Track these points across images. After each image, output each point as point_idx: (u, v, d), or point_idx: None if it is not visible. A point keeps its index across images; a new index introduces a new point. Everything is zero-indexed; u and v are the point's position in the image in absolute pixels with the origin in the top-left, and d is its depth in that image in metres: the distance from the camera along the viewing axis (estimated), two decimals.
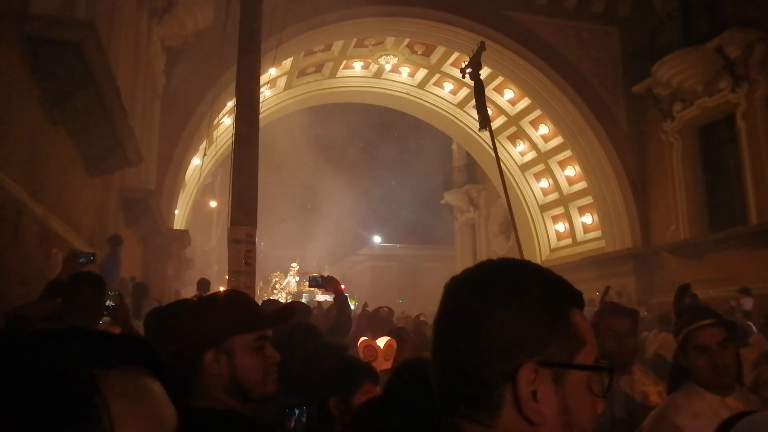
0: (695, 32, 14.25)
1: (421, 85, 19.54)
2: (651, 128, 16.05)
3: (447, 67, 18.20)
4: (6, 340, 0.47)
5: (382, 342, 3.28)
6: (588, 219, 17.93)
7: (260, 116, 6.79)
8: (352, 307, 10.00)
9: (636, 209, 16.15)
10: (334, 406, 2.08)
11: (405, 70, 19.12)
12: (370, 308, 11.93)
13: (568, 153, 17.62)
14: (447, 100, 19.83)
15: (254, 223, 6.29)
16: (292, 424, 1.47)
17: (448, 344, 0.83)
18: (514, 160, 19.31)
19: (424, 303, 22.26)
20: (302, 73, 18.16)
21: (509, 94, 18.14)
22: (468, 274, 0.86)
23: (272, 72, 15.67)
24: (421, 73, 19.04)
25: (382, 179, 43.62)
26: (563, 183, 18.38)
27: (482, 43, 9.09)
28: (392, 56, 18.02)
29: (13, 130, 4.95)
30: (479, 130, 9.87)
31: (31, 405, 0.42)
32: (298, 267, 30.48)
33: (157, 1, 11.40)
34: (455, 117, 20.12)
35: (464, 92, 18.78)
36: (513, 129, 18.82)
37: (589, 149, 16.65)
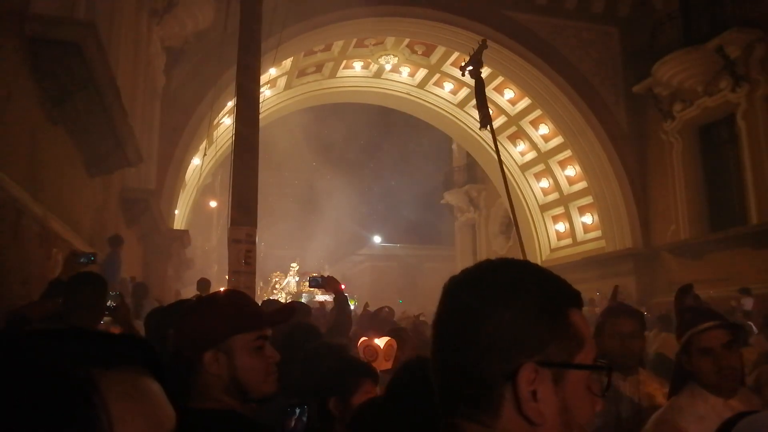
0: (695, 32, 14.24)
1: (422, 85, 19.54)
2: (651, 128, 16.05)
3: (447, 67, 18.20)
4: (5, 340, 0.47)
5: (382, 342, 3.28)
6: (588, 219, 17.93)
7: (260, 116, 6.79)
8: (352, 307, 10.01)
9: (636, 209, 16.16)
10: (333, 406, 2.08)
11: (405, 70, 19.13)
12: (370, 308, 11.97)
13: (568, 153, 17.63)
14: (447, 100, 19.84)
15: (254, 223, 6.29)
16: (293, 423, 1.47)
17: (448, 344, 0.83)
18: (514, 160, 19.31)
19: (424, 303, 22.24)
20: (302, 73, 18.17)
21: (509, 94, 18.15)
22: (467, 274, 0.86)
23: (272, 72, 15.68)
24: (421, 73, 19.04)
25: (383, 179, 43.66)
26: (563, 183, 18.38)
27: (484, 41, 9.04)
28: (392, 56, 18.02)
29: (13, 130, 4.95)
30: (480, 129, 9.84)
31: (29, 405, 0.42)
32: (298, 267, 30.49)
33: (157, 1, 11.40)
34: (455, 117, 20.12)
35: (464, 92, 18.78)
36: (513, 129, 18.83)
37: (590, 149, 16.65)
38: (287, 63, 16.46)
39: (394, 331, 3.86)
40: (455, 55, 16.78)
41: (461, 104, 19.50)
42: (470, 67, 8.88)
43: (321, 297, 18.69)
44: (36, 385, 0.43)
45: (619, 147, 16.26)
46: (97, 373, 0.47)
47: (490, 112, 8.71)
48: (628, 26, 16.60)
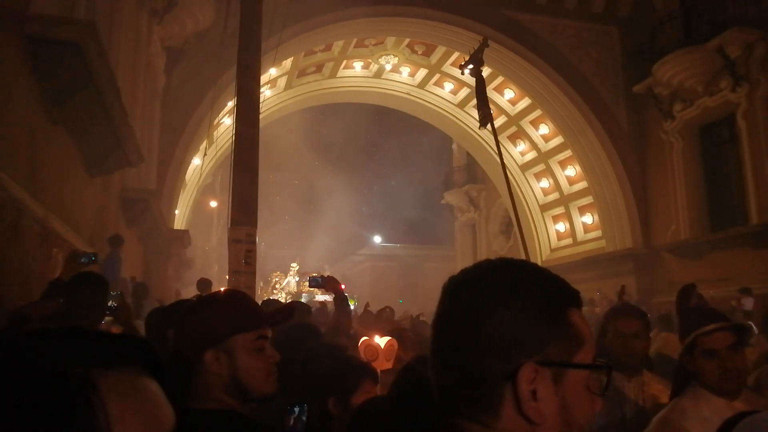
0: (696, 32, 14.24)
1: (422, 85, 19.54)
2: (651, 128, 16.05)
3: (447, 67, 18.20)
4: (4, 340, 0.47)
5: (382, 342, 3.28)
6: (588, 219, 17.93)
7: (260, 116, 6.79)
8: (352, 307, 10.02)
9: (636, 209, 16.16)
10: (333, 406, 2.08)
11: (405, 70, 19.12)
12: (372, 309, 11.97)
13: (568, 153, 17.63)
14: (447, 100, 19.84)
15: (254, 223, 6.29)
16: (292, 422, 1.47)
17: (448, 344, 0.83)
18: (514, 160, 19.31)
19: (424, 303, 22.23)
20: (302, 73, 18.17)
21: (509, 93, 18.15)
22: (466, 274, 0.86)
23: (272, 72, 15.68)
24: (422, 73, 19.04)
25: (383, 179, 43.68)
26: (563, 183, 18.38)
27: (485, 40, 9.02)
28: (392, 56, 18.02)
29: (13, 130, 4.95)
30: (479, 128, 9.82)
31: (27, 404, 0.42)
32: (298, 267, 30.50)
33: (158, 1, 11.40)
34: (455, 117, 20.12)
35: (464, 92, 18.78)
36: (513, 129, 18.83)
37: (590, 149, 16.65)
38: (287, 63, 16.46)
39: (394, 331, 3.86)
40: (455, 55, 16.78)
41: (461, 104, 19.50)
42: (470, 66, 8.88)
43: (321, 297, 18.69)
44: (34, 384, 0.43)
45: (619, 147, 16.26)
46: (96, 373, 0.46)
47: (491, 111, 8.69)
48: (629, 26, 16.60)
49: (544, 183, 19.10)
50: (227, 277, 6.37)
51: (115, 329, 3.38)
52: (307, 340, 2.95)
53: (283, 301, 15.63)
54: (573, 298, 0.84)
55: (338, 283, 4.30)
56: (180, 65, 13.64)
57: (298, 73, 17.97)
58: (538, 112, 17.76)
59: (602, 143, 16.31)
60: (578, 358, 0.79)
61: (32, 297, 4.43)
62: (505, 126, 18.64)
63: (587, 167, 17.00)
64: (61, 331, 0.50)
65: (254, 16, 6.54)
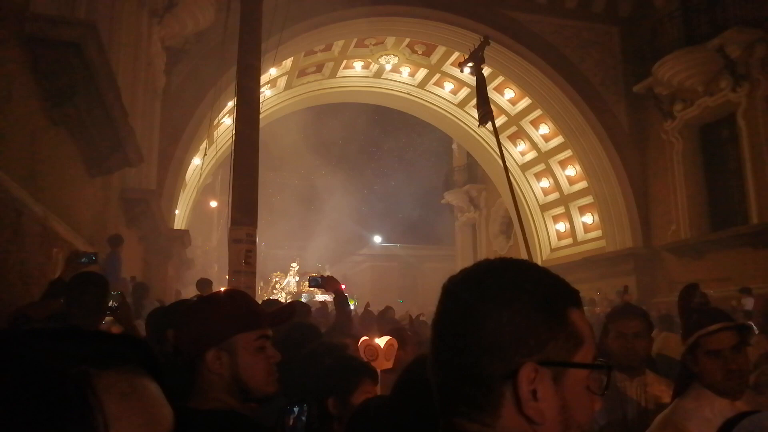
0: (696, 32, 14.24)
1: (422, 84, 19.55)
2: (652, 128, 16.04)
3: (447, 67, 18.20)
4: (2, 339, 0.47)
5: (382, 341, 3.28)
6: (588, 219, 17.93)
7: (261, 116, 6.79)
8: (352, 306, 10.02)
9: (636, 209, 16.15)
10: (332, 406, 2.08)
11: (405, 70, 19.13)
12: (371, 308, 11.99)
13: (568, 153, 17.62)
14: (447, 100, 19.84)
15: (254, 223, 6.30)
16: (291, 422, 1.47)
17: (447, 344, 0.82)
18: (514, 160, 19.31)
19: (424, 303, 22.27)
20: (303, 73, 18.17)
21: (509, 93, 18.15)
22: (466, 274, 0.85)
23: (272, 72, 15.69)
24: (422, 72, 19.04)
25: (383, 179, 43.69)
26: (564, 183, 18.38)
27: (486, 38, 8.99)
28: (393, 56, 18.03)
29: (14, 130, 4.95)
30: (478, 126, 9.79)
31: (24, 403, 0.42)
32: (298, 267, 30.53)
33: (158, 1, 11.39)
34: (456, 117, 20.12)
35: (465, 92, 18.79)
36: (513, 129, 18.83)
37: (590, 149, 16.65)
38: (287, 63, 16.46)
39: (395, 331, 3.86)
40: (455, 54, 16.78)
41: (462, 104, 19.50)
42: (470, 63, 8.84)
43: (321, 297, 18.70)
44: (32, 383, 0.43)
45: (619, 147, 16.26)
46: (94, 372, 0.46)
47: (492, 110, 8.65)
48: (629, 26, 16.60)
49: (545, 183, 19.10)
50: (227, 276, 6.37)
51: (116, 329, 3.38)
52: (307, 340, 2.95)
53: (283, 301, 15.64)
54: (573, 298, 0.83)
55: (338, 283, 4.30)
56: (180, 65, 13.64)
57: (299, 73, 17.97)
58: (538, 112, 17.76)
59: (602, 143, 16.31)
60: (578, 358, 0.79)
61: (32, 297, 4.43)
62: (505, 126, 18.64)
63: (587, 167, 16.99)
64: (59, 330, 0.50)
65: (254, 16, 6.54)
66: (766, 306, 9.58)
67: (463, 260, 24.23)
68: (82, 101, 5.95)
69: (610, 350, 2.55)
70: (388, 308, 9.83)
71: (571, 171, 18.03)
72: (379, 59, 18.13)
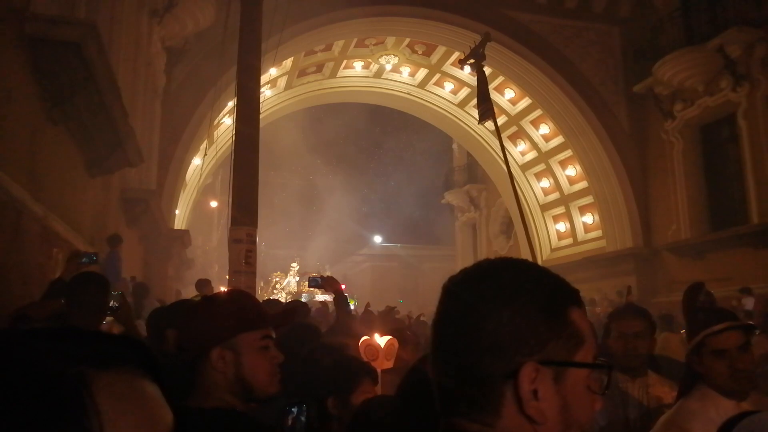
0: (696, 32, 14.24)
1: (422, 84, 19.54)
2: (652, 128, 16.04)
3: (447, 67, 18.20)
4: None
5: (383, 341, 3.27)
6: (589, 219, 17.93)
7: (261, 116, 6.79)
8: (352, 306, 10.03)
9: (637, 209, 16.15)
10: (332, 406, 2.08)
11: (405, 70, 19.12)
12: (372, 308, 12.00)
13: (568, 153, 17.62)
14: (448, 100, 19.84)
15: (254, 223, 6.30)
16: (289, 422, 1.47)
17: (448, 344, 0.82)
18: (514, 160, 19.31)
19: (424, 303, 22.29)
20: (303, 73, 18.17)
21: (510, 93, 18.14)
22: (466, 273, 0.85)
23: (273, 72, 15.68)
24: (422, 72, 19.04)
25: (383, 179, 43.68)
26: (564, 183, 18.37)
27: (487, 34, 8.94)
28: (393, 56, 18.02)
29: (13, 130, 4.95)
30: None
31: (18, 404, 0.42)
32: (298, 267, 30.53)
33: (158, 1, 11.39)
34: (456, 117, 20.12)
35: (465, 92, 18.78)
36: (513, 129, 18.83)
37: (590, 149, 16.64)
38: (287, 63, 16.46)
39: (395, 330, 3.85)
40: (456, 54, 16.77)
41: (462, 104, 19.50)
42: (471, 60, 8.80)
43: (321, 297, 18.70)
44: (27, 384, 0.43)
45: (619, 146, 16.25)
46: (90, 373, 0.46)
47: (493, 107, 8.60)
48: (629, 26, 16.59)
49: (545, 183, 19.09)
50: (227, 277, 6.37)
51: (117, 329, 3.38)
52: (307, 340, 2.95)
53: (283, 301, 15.63)
54: (573, 297, 0.83)
55: (337, 283, 4.30)
56: (180, 65, 13.64)
57: (299, 73, 17.97)
58: (538, 112, 17.75)
59: (603, 143, 16.30)
60: (579, 357, 0.79)
61: (32, 297, 4.43)
62: (505, 126, 18.63)
63: (588, 167, 16.99)
64: (58, 331, 0.50)
65: (254, 16, 6.54)
66: (766, 306, 9.58)
67: (463, 260, 24.23)
68: (82, 101, 5.95)
69: (611, 350, 2.55)
70: (393, 308, 9.93)
71: (572, 171, 18.03)
72: (380, 59, 18.12)
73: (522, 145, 19.17)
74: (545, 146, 18.42)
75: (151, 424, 0.49)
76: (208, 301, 1.67)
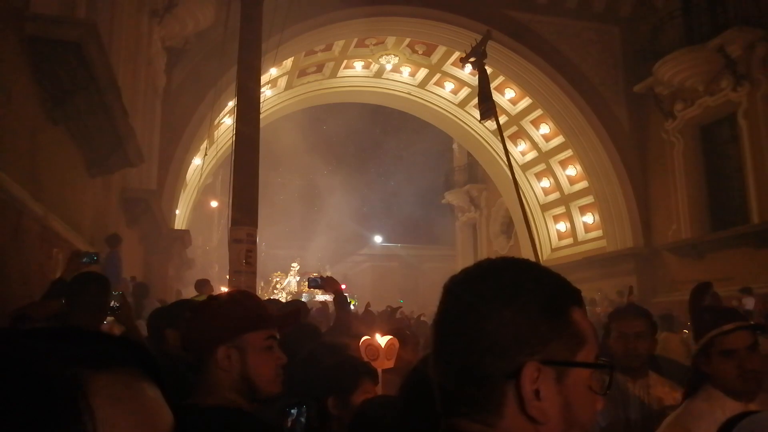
0: (696, 31, 14.23)
1: (422, 84, 19.54)
2: (652, 128, 16.04)
3: (448, 67, 18.20)
4: None
5: (383, 341, 3.27)
6: (589, 218, 17.93)
7: (261, 116, 6.79)
8: (352, 307, 10.04)
9: (637, 209, 16.15)
10: (332, 406, 2.07)
11: (406, 70, 19.12)
12: (372, 308, 12.00)
13: (569, 152, 17.62)
14: (448, 100, 19.84)
15: (255, 223, 6.30)
16: (289, 423, 1.47)
17: (449, 344, 0.82)
18: (515, 160, 19.31)
19: (425, 303, 22.28)
20: (303, 73, 18.17)
21: (510, 93, 18.14)
22: (467, 273, 0.85)
23: (273, 72, 15.68)
24: (422, 72, 19.04)
25: (383, 179, 43.69)
26: (564, 182, 18.37)
27: (489, 32, 8.89)
28: (393, 56, 18.02)
29: (13, 130, 4.94)
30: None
31: (8, 405, 0.41)
32: (298, 267, 30.53)
33: (158, 1, 11.39)
34: (456, 117, 20.12)
35: (465, 92, 18.78)
36: (514, 129, 18.83)
37: (591, 149, 16.64)
38: (288, 63, 16.46)
39: (396, 330, 3.85)
40: (456, 54, 16.77)
41: (462, 104, 19.50)
42: (472, 58, 8.76)
43: (321, 297, 18.69)
44: (19, 385, 0.42)
45: (620, 146, 16.25)
46: (86, 374, 0.45)
47: (495, 105, 8.56)
48: (630, 25, 16.59)
49: (545, 183, 19.09)
50: (228, 276, 6.37)
51: (117, 329, 3.38)
52: (307, 340, 2.95)
53: (283, 301, 15.63)
54: (574, 297, 0.83)
55: (337, 284, 4.30)
56: (180, 65, 13.64)
57: (299, 73, 17.97)
58: (538, 112, 17.75)
59: (603, 143, 16.30)
60: (580, 357, 0.79)
61: (33, 297, 4.42)
62: (505, 126, 18.60)
63: (588, 167, 16.99)
64: (57, 331, 0.49)
65: (255, 16, 6.54)
66: (766, 306, 9.57)
67: (463, 260, 24.23)
68: (82, 101, 5.95)
69: (612, 351, 2.54)
70: (398, 308, 9.97)
71: (572, 171, 18.03)
72: (380, 59, 18.12)
73: (522, 145, 19.17)
74: (545, 146, 18.42)
75: (150, 425, 0.48)
76: (214, 300, 1.68)
